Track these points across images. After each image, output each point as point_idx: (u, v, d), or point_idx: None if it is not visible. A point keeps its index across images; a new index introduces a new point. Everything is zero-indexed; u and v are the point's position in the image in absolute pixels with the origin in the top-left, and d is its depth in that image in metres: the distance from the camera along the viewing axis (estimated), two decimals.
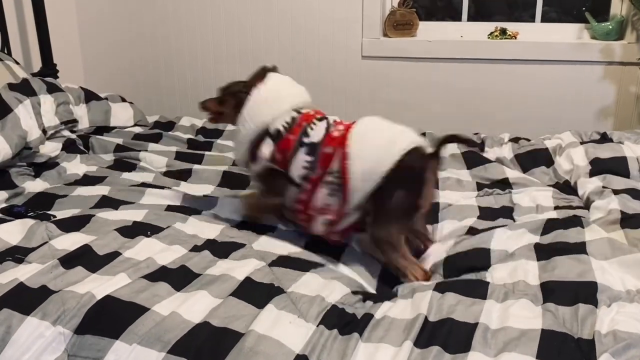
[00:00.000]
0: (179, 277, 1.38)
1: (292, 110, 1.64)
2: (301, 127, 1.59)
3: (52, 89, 2.34)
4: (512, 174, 2.03)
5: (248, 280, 1.37)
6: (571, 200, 1.84)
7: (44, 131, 2.16)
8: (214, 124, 2.26)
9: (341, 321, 1.23)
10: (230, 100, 1.70)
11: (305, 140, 1.56)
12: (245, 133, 1.62)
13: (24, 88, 2.21)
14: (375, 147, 1.48)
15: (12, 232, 1.59)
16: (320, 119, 1.63)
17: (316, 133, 1.57)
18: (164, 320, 1.21)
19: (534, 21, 2.83)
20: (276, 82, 1.71)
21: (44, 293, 1.29)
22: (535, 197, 1.84)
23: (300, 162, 1.55)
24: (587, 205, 1.80)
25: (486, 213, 1.78)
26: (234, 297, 1.29)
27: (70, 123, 2.35)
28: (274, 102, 1.64)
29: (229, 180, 2.06)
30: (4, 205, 1.82)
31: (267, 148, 1.59)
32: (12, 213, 1.77)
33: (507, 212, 1.78)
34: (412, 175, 1.46)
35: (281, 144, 1.58)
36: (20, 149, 2.03)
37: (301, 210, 1.57)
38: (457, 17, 2.90)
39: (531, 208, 1.79)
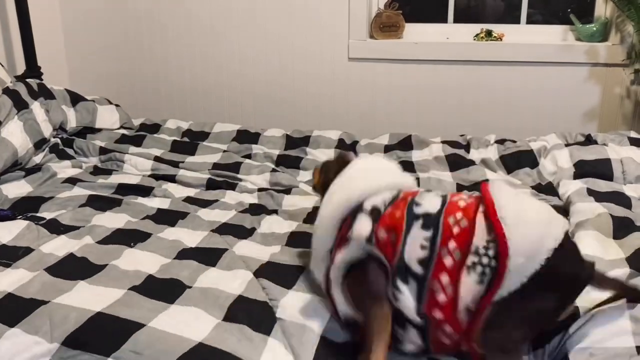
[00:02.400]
0: (169, 290, 1.35)
1: (391, 190, 1.28)
2: (406, 201, 1.21)
3: (36, 93, 2.32)
4: (493, 175, 2.05)
5: (241, 298, 1.33)
6: (549, 200, 1.86)
7: (39, 143, 2.16)
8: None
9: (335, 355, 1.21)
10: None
11: (418, 211, 1.17)
12: (331, 209, 1.26)
13: (14, 100, 2.18)
14: (534, 220, 1.10)
15: (3, 234, 1.60)
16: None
17: (429, 203, 1.19)
18: (157, 338, 1.19)
19: (519, 23, 2.84)
20: (370, 160, 1.46)
21: (30, 304, 1.27)
22: None
23: (417, 240, 1.14)
24: (566, 205, 1.82)
25: None
26: (227, 322, 1.25)
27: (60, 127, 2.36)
28: (367, 177, 1.30)
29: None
30: None
31: (363, 225, 1.19)
32: None
33: None
34: (576, 269, 1.11)
35: (384, 219, 1.18)
36: (10, 165, 2.03)
37: (443, 318, 1.12)
38: (443, 19, 2.90)
39: None
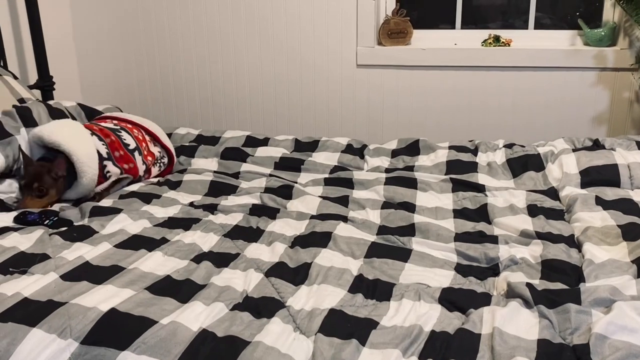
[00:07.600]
0: (183, 289, 1.41)
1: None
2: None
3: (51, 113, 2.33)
4: (488, 181, 2.08)
5: (251, 292, 1.41)
6: (543, 201, 1.89)
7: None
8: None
9: (341, 327, 1.25)
10: (51, 184, 1.92)
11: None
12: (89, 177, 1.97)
13: (23, 115, 2.17)
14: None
15: (21, 241, 1.62)
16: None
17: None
18: (170, 331, 1.23)
19: (527, 28, 2.85)
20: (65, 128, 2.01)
21: (48, 306, 1.31)
22: (508, 199, 1.91)
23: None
24: (567, 208, 1.84)
25: (463, 214, 1.85)
26: (238, 311, 1.32)
27: None
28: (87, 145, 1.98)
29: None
30: (16, 213, 1.83)
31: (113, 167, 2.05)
32: (25, 221, 1.77)
33: (483, 213, 1.84)
34: None
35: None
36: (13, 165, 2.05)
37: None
38: (451, 25, 2.92)
39: (505, 208, 1.84)
